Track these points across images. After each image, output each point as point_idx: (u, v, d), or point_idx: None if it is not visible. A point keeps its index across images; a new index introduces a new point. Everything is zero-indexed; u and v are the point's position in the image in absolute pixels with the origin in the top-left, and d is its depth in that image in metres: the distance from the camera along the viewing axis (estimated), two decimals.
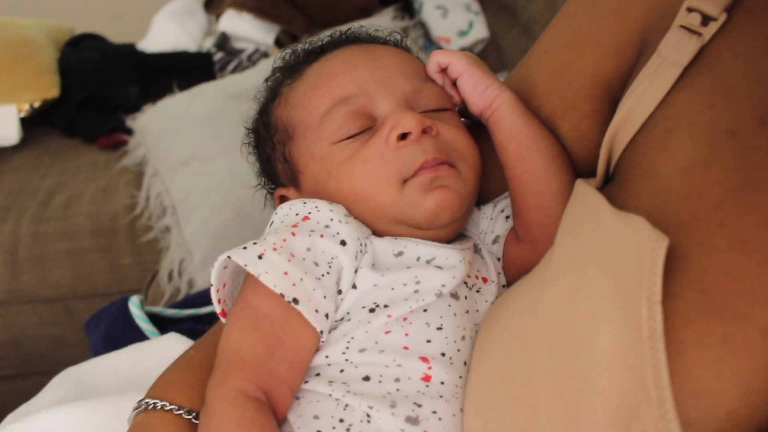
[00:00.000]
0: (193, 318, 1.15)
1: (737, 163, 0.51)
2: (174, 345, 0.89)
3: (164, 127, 1.76)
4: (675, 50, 0.59)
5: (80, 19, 2.51)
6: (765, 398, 0.46)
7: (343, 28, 0.80)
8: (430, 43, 2.07)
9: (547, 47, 0.74)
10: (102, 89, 2.02)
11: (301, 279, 0.60)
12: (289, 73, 0.77)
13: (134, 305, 1.09)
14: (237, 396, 0.57)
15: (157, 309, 1.14)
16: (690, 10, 0.59)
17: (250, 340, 0.60)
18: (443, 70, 0.73)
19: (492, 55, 2.00)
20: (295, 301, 0.59)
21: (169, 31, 2.26)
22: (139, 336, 1.07)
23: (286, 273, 0.60)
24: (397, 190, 0.66)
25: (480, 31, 2.05)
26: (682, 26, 0.59)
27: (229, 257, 0.61)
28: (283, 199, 0.75)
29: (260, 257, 0.60)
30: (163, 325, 1.12)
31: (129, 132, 1.90)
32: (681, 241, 0.51)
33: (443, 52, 0.73)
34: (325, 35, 0.79)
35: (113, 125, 1.93)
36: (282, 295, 0.59)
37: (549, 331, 0.54)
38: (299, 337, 0.60)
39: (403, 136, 0.66)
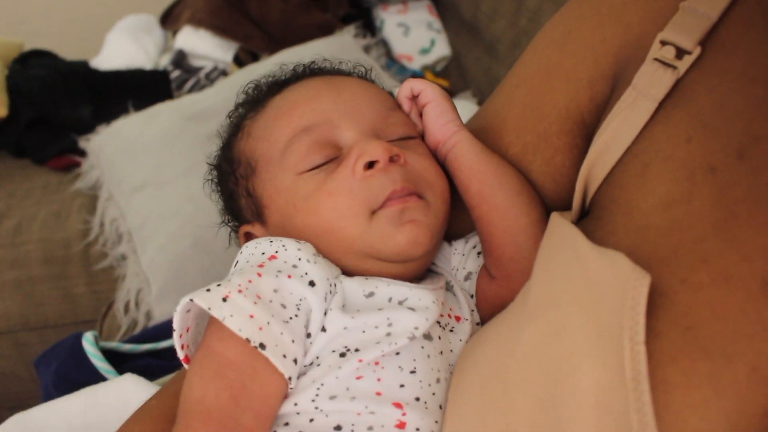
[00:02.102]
0: (152, 353, 1.11)
1: (717, 198, 0.51)
2: (130, 387, 0.85)
3: (119, 148, 1.70)
4: (650, 84, 0.58)
5: (30, 35, 2.43)
6: None
7: (306, 61, 0.79)
8: (392, 62, 2.06)
9: (518, 81, 0.73)
10: (53, 108, 1.95)
11: (268, 322, 0.57)
12: (251, 106, 0.76)
13: (88, 342, 1.04)
14: None
15: (113, 344, 1.09)
16: (664, 43, 0.58)
17: (213, 389, 0.57)
18: (414, 98, 0.73)
19: (455, 74, 2.00)
20: (262, 346, 0.56)
21: (124, 48, 2.21)
22: (93, 374, 1.02)
23: (252, 316, 0.56)
24: (365, 222, 0.64)
25: (442, 48, 2.05)
26: (657, 59, 0.58)
27: (191, 300, 0.58)
28: (249, 235, 0.73)
29: (225, 300, 0.57)
30: (120, 360, 1.08)
31: (82, 153, 1.83)
32: (663, 278, 0.49)
33: (419, 80, 0.73)
34: (288, 69, 0.78)
35: (65, 146, 1.86)
36: (248, 340, 0.55)
37: (528, 372, 0.52)
38: (266, 384, 0.57)
39: (370, 165, 0.65)
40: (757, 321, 0.46)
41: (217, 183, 0.79)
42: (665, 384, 0.46)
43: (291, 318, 0.59)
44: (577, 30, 0.67)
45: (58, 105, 1.96)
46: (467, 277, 0.73)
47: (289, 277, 0.60)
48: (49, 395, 1.01)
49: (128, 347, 1.10)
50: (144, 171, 1.62)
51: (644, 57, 0.59)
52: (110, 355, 1.07)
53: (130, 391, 0.84)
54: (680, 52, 0.57)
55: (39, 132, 1.93)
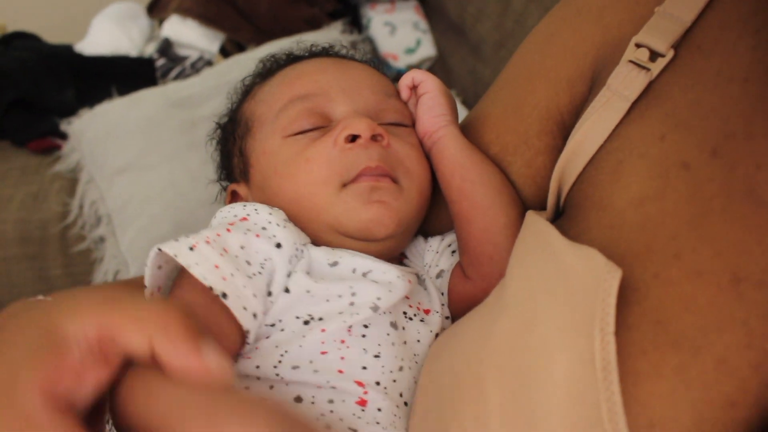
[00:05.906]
0: None
1: (690, 194, 0.52)
2: None
3: (101, 132, 1.69)
4: (624, 84, 0.59)
5: (13, 17, 2.41)
6: (718, 428, 0.47)
7: (323, 41, 0.84)
8: (378, 60, 2.07)
9: (503, 84, 0.75)
10: (35, 91, 1.92)
11: (232, 274, 0.58)
12: (264, 74, 0.80)
13: None
14: None
15: None
16: (638, 45, 0.59)
17: None
18: (414, 88, 0.75)
19: (439, 74, 2.01)
20: (224, 295, 0.56)
21: (109, 34, 2.19)
22: None
23: (217, 266, 0.57)
24: (334, 192, 0.65)
25: (427, 49, 2.07)
26: (631, 61, 0.60)
27: (159, 250, 0.58)
28: (234, 194, 0.75)
29: (191, 249, 0.58)
30: None
31: (63, 137, 1.81)
32: (636, 273, 0.51)
33: (422, 71, 0.75)
34: (305, 46, 0.82)
35: (46, 129, 1.84)
36: (211, 288, 0.56)
37: (501, 363, 0.53)
38: (221, 329, 0.58)
39: (353, 140, 0.66)
40: (727, 314, 0.47)
41: (218, 142, 0.82)
42: (635, 375, 0.47)
43: (254, 274, 0.60)
44: (559, 32, 0.69)
45: (40, 87, 1.93)
46: (439, 275, 0.73)
47: (257, 236, 0.61)
48: None
49: None
50: (126, 155, 1.61)
51: (620, 58, 0.61)
52: None
53: None
54: (654, 55, 0.58)
55: (20, 114, 1.90)
